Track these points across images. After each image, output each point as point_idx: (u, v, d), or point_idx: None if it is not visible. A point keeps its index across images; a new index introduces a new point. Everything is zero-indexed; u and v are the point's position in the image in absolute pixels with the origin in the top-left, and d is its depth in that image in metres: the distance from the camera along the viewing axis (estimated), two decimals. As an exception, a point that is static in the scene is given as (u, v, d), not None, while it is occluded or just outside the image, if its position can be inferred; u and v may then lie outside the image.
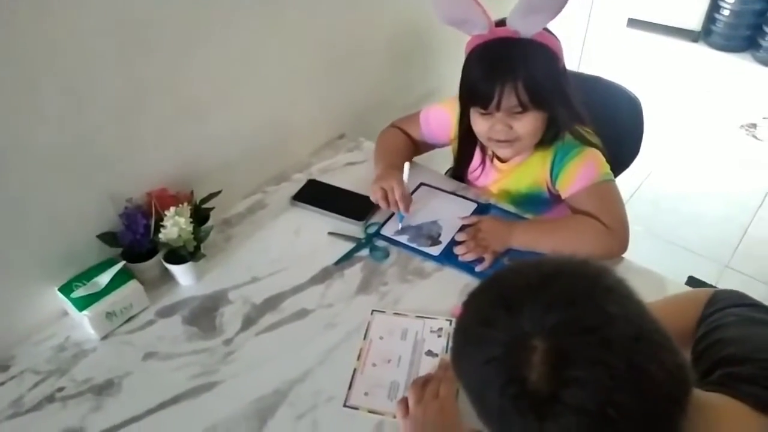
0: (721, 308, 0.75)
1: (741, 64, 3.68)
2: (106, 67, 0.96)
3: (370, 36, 1.51)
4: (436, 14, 1.09)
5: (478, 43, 1.09)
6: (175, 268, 1.08)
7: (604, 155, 1.16)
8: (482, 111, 1.11)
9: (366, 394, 0.93)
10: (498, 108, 1.07)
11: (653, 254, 2.32)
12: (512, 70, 1.04)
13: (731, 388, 0.60)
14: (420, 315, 1.04)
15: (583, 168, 1.12)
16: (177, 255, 1.08)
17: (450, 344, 0.63)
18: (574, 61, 2.65)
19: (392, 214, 1.24)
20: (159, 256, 1.08)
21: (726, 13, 3.65)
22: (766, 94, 3.35)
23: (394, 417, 0.87)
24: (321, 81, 1.42)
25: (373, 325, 1.03)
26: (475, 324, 0.57)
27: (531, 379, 0.50)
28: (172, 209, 1.04)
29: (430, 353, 0.98)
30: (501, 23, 1.06)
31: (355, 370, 0.96)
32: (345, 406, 0.91)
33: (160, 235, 1.04)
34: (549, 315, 0.51)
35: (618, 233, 1.10)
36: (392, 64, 1.62)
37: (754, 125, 3.03)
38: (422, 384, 0.88)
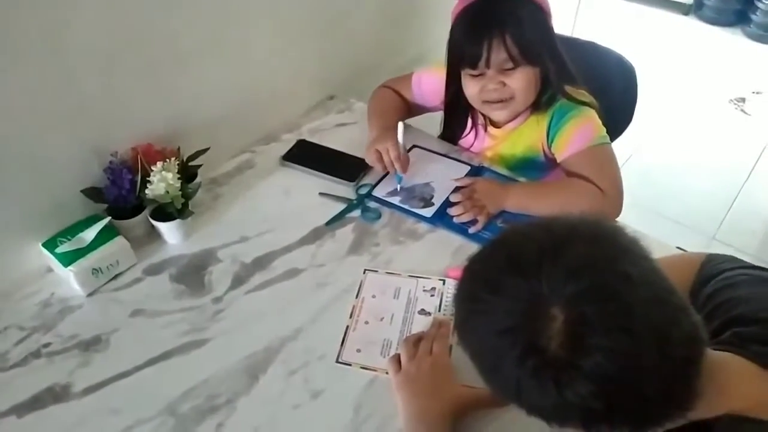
0: (730, 268, 0.73)
1: (731, 38, 3.66)
2: (88, 10, 0.92)
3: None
4: None
5: (462, 6, 1.07)
6: (162, 226, 1.05)
7: (600, 117, 1.15)
8: (472, 72, 1.09)
9: (358, 350, 0.93)
10: (488, 65, 1.06)
11: (640, 225, 2.31)
12: (499, 23, 1.03)
13: (741, 347, 0.60)
14: (413, 275, 1.03)
15: (579, 131, 1.11)
16: (164, 212, 1.05)
17: (453, 312, 0.60)
18: (567, 29, 2.62)
19: (384, 175, 1.22)
20: (146, 213, 1.05)
21: (718, -14, 3.62)
22: (755, 69, 3.35)
23: (387, 373, 0.87)
24: (311, 40, 1.38)
25: (366, 284, 1.02)
26: (483, 292, 0.55)
27: (551, 348, 0.48)
28: (159, 164, 1.01)
29: (423, 312, 0.97)
30: None
31: (347, 327, 0.96)
32: (337, 362, 0.91)
33: (147, 191, 1.01)
34: (569, 282, 0.49)
35: (613, 197, 1.09)
36: (384, 24, 1.59)
37: (742, 99, 3.03)
38: (414, 341, 0.88)
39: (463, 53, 1.07)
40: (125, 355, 0.91)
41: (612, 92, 1.45)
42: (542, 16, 1.06)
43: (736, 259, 0.77)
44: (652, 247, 1.04)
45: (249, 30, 1.21)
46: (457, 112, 1.23)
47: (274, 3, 1.23)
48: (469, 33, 1.05)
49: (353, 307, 0.99)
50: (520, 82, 1.08)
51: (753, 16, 3.58)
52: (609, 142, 1.13)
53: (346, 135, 1.36)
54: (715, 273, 0.74)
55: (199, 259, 1.07)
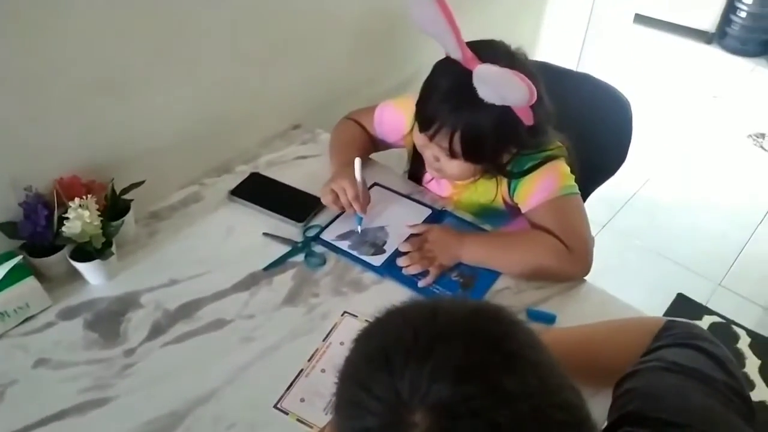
0: (660, 347, 0.68)
1: (755, 69, 3.51)
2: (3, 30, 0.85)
3: (336, 15, 1.38)
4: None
5: (445, 61, 0.97)
6: (81, 266, 0.97)
7: (567, 161, 1.04)
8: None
9: (302, 400, 0.85)
10: (431, 139, 0.98)
11: (643, 268, 2.21)
12: (456, 113, 0.93)
13: None
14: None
15: (542, 180, 1.01)
16: (86, 251, 0.97)
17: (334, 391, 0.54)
18: (572, 59, 2.51)
19: (336, 217, 1.13)
20: (65, 252, 0.98)
21: (743, 15, 3.47)
22: (779, 103, 3.19)
23: None
24: (276, 63, 1.30)
25: (339, 328, 0.94)
26: (352, 383, 0.49)
27: None
28: (77, 201, 0.93)
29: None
30: (478, 46, 0.93)
31: (301, 371, 0.88)
32: (275, 407, 0.84)
33: (63, 229, 0.93)
34: (434, 387, 0.43)
35: (578, 254, 0.98)
36: (360, 49, 1.49)
37: (762, 135, 2.87)
38: None
39: (419, 109, 0.99)
40: (18, 413, 0.83)
41: (605, 128, 1.35)
42: (511, 123, 0.93)
43: (688, 332, 0.70)
44: (625, 306, 0.95)
45: (200, 53, 1.13)
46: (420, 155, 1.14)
47: (232, 19, 1.15)
48: (431, 97, 0.96)
49: (316, 350, 0.91)
50: (453, 169, 1.01)
51: (779, 47, 3.42)
52: (576, 192, 1.02)
53: (306, 169, 1.27)
54: (652, 349, 0.68)
55: (119, 304, 0.98)
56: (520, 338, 0.48)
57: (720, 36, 3.66)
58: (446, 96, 0.93)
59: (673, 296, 2.06)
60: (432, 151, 1.00)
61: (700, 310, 2.01)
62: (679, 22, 3.67)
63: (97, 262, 0.97)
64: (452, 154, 0.96)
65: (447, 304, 0.52)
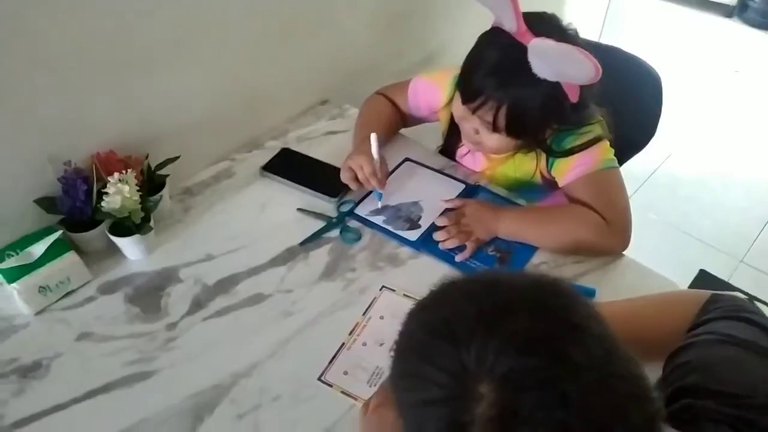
0: (709, 320, 0.66)
1: (777, 43, 3.44)
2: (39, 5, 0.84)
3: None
4: None
5: (492, 34, 0.93)
6: (119, 241, 0.97)
7: (609, 138, 1.02)
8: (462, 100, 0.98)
9: (345, 373, 0.86)
10: (474, 112, 0.95)
11: (665, 244, 2.20)
12: (504, 88, 0.90)
13: (693, 424, 0.55)
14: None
15: (581, 155, 0.99)
16: (124, 226, 0.97)
17: (390, 364, 0.54)
18: (594, 32, 2.47)
19: (369, 192, 1.12)
20: (103, 227, 0.98)
21: (765, -13, 3.39)
22: (801, 77, 3.13)
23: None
24: (304, 39, 1.28)
25: (378, 303, 0.94)
26: (413, 355, 0.49)
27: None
28: (116, 176, 0.93)
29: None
30: (530, 19, 0.88)
31: (342, 344, 0.89)
32: (319, 380, 0.85)
33: (103, 204, 0.93)
34: (501, 358, 0.42)
35: (617, 228, 0.97)
36: (386, 24, 1.47)
37: (785, 110, 2.83)
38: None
39: (464, 81, 0.96)
40: (64, 385, 0.84)
41: (634, 102, 1.33)
42: (559, 101, 0.90)
43: (735, 305, 0.69)
44: (664, 280, 0.95)
45: (228, 30, 1.11)
46: (456, 129, 1.12)
47: (254, 1, 1.13)
48: (478, 70, 0.92)
49: (356, 324, 0.91)
50: (492, 142, 0.99)
51: (802, 20, 3.35)
52: (616, 166, 1.01)
53: (335, 144, 1.26)
54: (700, 322, 0.67)
55: (159, 279, 0.98)
56: (582, 310, 0.47)
57: (741, 9, 3.58)
58: (494, 69, 0.90)
59: (695, 272, 2.05)
60: (472, 124, 0.99)
61: (723, 287, 2.00)
62: (699, -6, 3.59)
63: (136, 236, 0.97)
64: (495, 128, 0.94)
65: (506, 276, 0.52)
